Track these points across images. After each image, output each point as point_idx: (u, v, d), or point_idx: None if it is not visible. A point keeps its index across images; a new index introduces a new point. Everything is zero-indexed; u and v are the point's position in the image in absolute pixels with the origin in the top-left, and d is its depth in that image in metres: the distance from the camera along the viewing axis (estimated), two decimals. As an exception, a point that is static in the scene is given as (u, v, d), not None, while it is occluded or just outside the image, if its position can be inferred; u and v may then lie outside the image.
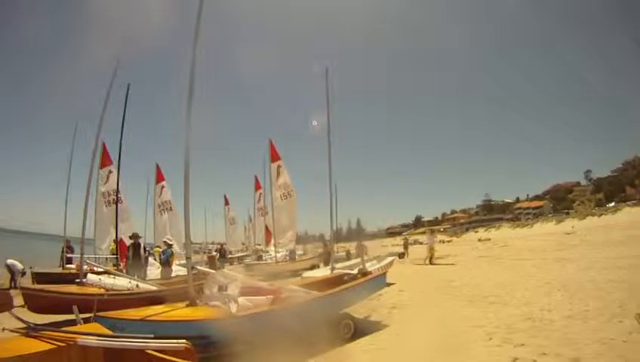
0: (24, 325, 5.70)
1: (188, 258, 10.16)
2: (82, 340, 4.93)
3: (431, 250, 28.21)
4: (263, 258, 32.25)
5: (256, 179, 36.95)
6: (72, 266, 19.37)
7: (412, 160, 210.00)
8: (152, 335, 5.22)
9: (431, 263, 27.04)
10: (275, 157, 28.84)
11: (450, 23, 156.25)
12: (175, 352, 4.86)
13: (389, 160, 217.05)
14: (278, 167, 28.60)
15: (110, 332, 5.57)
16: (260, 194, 35.90)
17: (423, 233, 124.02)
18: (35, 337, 5.14)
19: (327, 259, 25.87)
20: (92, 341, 4.98)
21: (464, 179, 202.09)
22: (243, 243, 48.00)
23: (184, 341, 5.02)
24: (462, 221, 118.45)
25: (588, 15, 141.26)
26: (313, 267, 24.79)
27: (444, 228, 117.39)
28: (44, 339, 5.02)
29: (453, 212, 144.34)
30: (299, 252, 30.95)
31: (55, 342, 4.92)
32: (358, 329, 9.66)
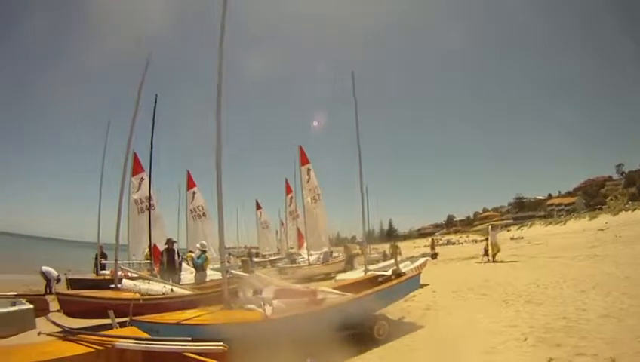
0: (60, 329, 5.80)
1: (222, 262, 10.27)
2: (120, 343, 4.99)
3: (494, 246, 27.03)
4: (296, 261, 32.22)
5: (287, 183, 36.95)
6: (106, 272, 19.64)
7: (442, 159, 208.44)
8: (190, 338, 5.25)
9: (494, 261, 26.03)
10: (304, 160, 28.96)
11: (478, 24, 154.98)
12: (213, 355, 4.87)
13: (420, 160, 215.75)
14: (308, 170, 28.78)
15: (148, 336, 5.63)
16: (291, 197, 35.98)
17: (455, 233, 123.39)
18: (73, 341, 5.24)
19: (350, 261, 25.86)
20: (130, 344, 5.05)
21: (495, 176, 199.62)
22: (278, 249, 47.91)
23: (221, 343, 5.03)
24: (494, 220, 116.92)
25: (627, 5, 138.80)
26: (346, 269, 24.68)
27: (476, 228, 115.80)
28: (83, 343, 5.12)
29: (484, 210, 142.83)
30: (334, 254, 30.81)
31: (93, 346, 5.01)
32: (393, 331, 9.61)
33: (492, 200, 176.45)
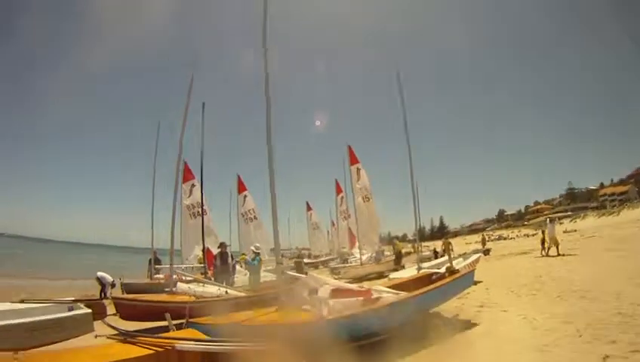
0: (116, 332, 5.90)
1: (278, 263, 10.30)
2: (180, 345, 5.06)
3: (553, 240, 26.49)
4: (348, 261, 32.19)
5: (337, 183, 36.94)
6: (160, 276, 20.02)
7: (491, 153, 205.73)
8: (248, 339, 5.27)
9: (554, 254, 25.40)
10: (353, 160, 29.01)
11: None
12: (271, 355, 4.87)
13: (469, 155, 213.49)
14: (358, 169, 28.79)
15: (206, 337, 5.68)
16: (342, 197, 35.84)
17: (506, 228, 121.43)
18: (133, 343, 5.33)
19: (398, 259, 25.71)
20: (190, 346, 5.12)
21: (545, 168, 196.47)
22: (330, 249, 47.96)
23: (279, 344, 5.05)
24: (546, 212, 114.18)
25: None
26: (397, 268, 24.53)
27: (528, 222, 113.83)
28: (142, 345, 5.23)
29: (536, 203, 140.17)
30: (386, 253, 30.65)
31: (154, 348, 5.11)
32: (447, 329, 9.48)
33: (543, 193, 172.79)
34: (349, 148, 29.28)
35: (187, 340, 5.39)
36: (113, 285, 19.06)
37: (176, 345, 5.18)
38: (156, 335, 5.75)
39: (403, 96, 17.61)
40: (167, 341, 5.35)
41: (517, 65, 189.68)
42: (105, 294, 18.47)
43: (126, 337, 5.73)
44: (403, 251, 31.04)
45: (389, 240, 39.11)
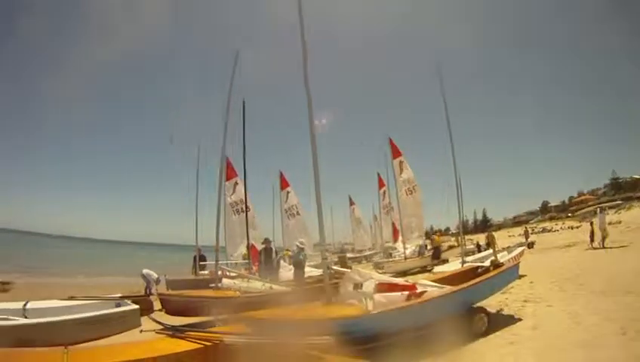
0: (163, 327, 5.99)
1: (324, 258, 10.34)
2: (229, 339, 5.11)
3: (604, 231, 25.87)
4: (392, 255, 32.06)
5: (379, 177, 36.42)
6: (205, 273, 20.27)
7: (534, 143, 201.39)
8: (296, 333, 5.30)
9: (603, 246, 24.87)
10: (396, 153, 28.61)
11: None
12: (320, 348, 4.89)
13: (510, 147, 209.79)
14: (400, 162, 28.31)
15: (253, 331, 5.73)
16: (384, 191, 35.36)
17: (550, 220, 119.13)
18: (182, 338, 5.41)
19: (437, 253, 25.47)
20: (238, 339, 5.17)
21: (589, 156, 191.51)
22: (372, 244, 47.81)
23: (328, 336, 5.05)
24: (590, 203, 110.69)
25: None
26: (443, 261, 24.36)
27: (572, 214, 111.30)
28: (191, 339, 5.28)
29: (580, 194, 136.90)
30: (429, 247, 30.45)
31: (202, 342, 5.19)
32: (492, 324, 9.44)
33: (587, 183, 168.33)
34: (391, 140, 28.98)
35: (235, 334, 5.46)
36: (158, 282, 19.31)
37: (224, 338, 5.25)
38: (205, 329, 5.85)
39: (443, 87, 17.57)
40: (215, 335, 5.44)
41: (559, 56, 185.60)
42: (150, 291, 18.74)
43: (174, 332, 5.83)
44: (446, 245, 30.80)
45: (430, 234, 38.80)
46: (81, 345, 6.07)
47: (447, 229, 69.95)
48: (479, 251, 27.46)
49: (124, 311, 10.53)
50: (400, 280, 10.28)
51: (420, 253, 27.94)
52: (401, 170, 28.17)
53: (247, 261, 19.60)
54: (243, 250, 20.76)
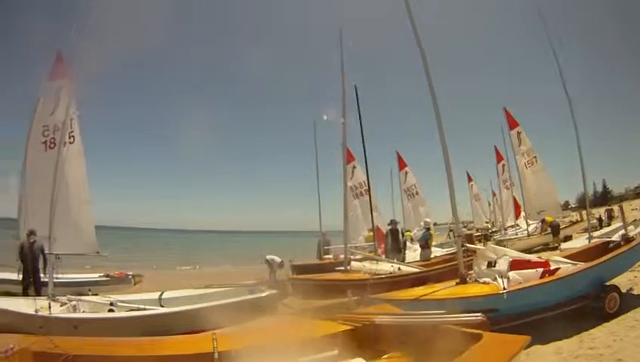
0: (295, 311, 6.39)
1: (457, 236, 10.57)
2: (380, 319, 5.41)
3: None
4: (514, 232, 31.48)
5: (497, 150, 35.17)
6: (329, 256, 20.80)
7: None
8: (444, 311, 5.48)
9: None
10: (512, 123, 27.59)
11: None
12: (472, 325, 5.05)
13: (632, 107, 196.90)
14: (518, 133, 27.26)
15: (402, 311, 6.00)
16: (503, 165, 34.41)
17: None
18: (330, 319, 5.75)
19: (556, 230, 24.64)
20: (389, 319, 5.48)
21: None
22: (487, 221, 46.79)
23: (480, 314, 5.21)
24: None
25: None
26: (566, 239, 23.76)
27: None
28: (341, 321, 5.62)
29: None
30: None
31: (352, 323, 5.48)
32: (623, 304, 9.22)
33: None
34: (506, 110, 27.97)
35: (384, 315, 5.78)
36: (282, 266, 19.92)
37: (375, 319, 5.54)
38: (354, 311, 6.19)
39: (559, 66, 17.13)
40: (365, 316, 5.73)
41: None
42: (274, 276, 19.40)
43: (316, 314, 6.18)
44: (566, 220, 29.91)
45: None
46: (226, 329, 6.42)
47: (567, 203, 66.78)
48: (601, 226, 26.56)
49: (263, 297, 11.11)
50: (533, 257, 10.20)
51: (544, 229, 27.19)
52: (520, 141, 27.20)
53: (371, 243, 20.01)
54: (366, 232, 21.15)
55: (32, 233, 13.27)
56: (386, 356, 5.25)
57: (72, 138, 13.88)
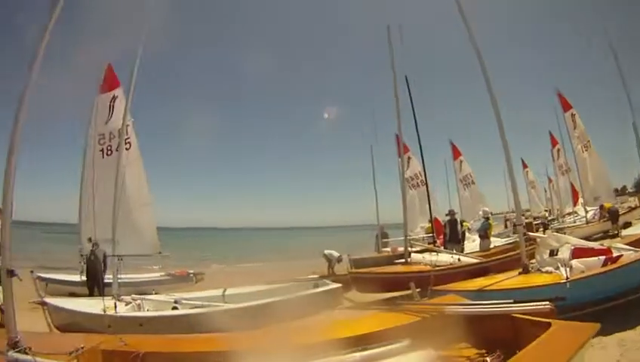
0: (356, 303, 6.46)
1: (519, 225, 10.56)
2: (450, 309, 5.48)
3: None
4: (572, 220, 30.79)
5: (551, 135, 34.06)
6: (387, 249, 20.90)
7: None
8: (512, 301, 5.49)
9: None
10: (566, 105, 26.84)
11: None
12: (541, 314, 5.07)
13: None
14: (572, 115, 26.50)
15: (470, 302, 6.04)
16: (558, 149, 33.23)
17: None
18: (399, 311, 5.84)
19: (615, 217, 23.85)
20: (459, 309, 5.54)
21: None
22: (546, 209, 45.87)
23: (548, 303, 5.23)
24: None
25: None
26: (626, 225, 23.14)
27: None
28: (410, 312, 5.69)
29: None
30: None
31: (421, 314, 5.55)
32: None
33: None
34: (559, 93, 27.23)
35: (453, 305, 5.85)
36: (340, 260, 20.01)
37: (444, 309, 5.62)
38: (423, 301, 6.26)
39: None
40: (435, 307, 5.82)
41: None
42: (332, 270, 19.52)
43: (392, 307, 6.24)
44: (625, 205, 29.19)
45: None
46: (294, 323, 6.49)
47: (624, 188, 64.62)
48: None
49: (327, 291, 11.32)
50: (595, 245, 9.99)
51: (602, 215, 26.45)
52: (574, 123, 26.45)
53: (430, 234, 20.01)
54: (424, 224, 21.11)
55: (95, 243, 13.99)
56: (456, 346, 5.28)
57: (128, 144, 14.63)
